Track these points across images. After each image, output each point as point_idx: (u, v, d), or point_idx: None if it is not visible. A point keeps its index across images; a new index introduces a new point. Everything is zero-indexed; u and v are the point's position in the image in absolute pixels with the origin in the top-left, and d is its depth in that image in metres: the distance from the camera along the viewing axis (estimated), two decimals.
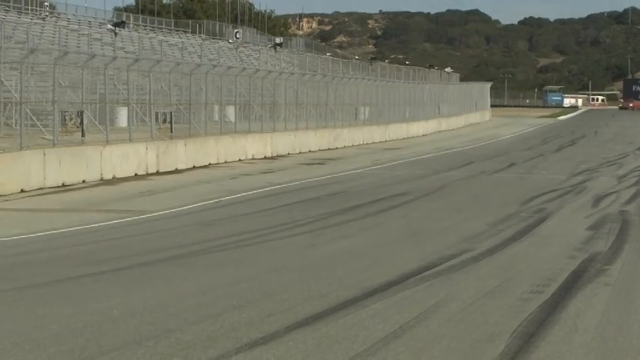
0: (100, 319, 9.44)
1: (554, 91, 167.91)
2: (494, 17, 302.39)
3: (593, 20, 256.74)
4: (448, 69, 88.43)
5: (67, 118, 36.32)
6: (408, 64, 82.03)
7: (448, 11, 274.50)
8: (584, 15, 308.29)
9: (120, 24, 39.24)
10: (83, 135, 28.75)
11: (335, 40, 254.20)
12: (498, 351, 8.04)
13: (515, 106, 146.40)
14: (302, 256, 14.10)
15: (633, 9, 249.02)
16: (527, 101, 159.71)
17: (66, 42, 51.33)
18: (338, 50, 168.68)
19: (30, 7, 61.26)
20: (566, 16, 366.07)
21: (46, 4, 62.41)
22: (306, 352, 8.00)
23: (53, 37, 51.10)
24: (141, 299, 10.42)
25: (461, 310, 9.63)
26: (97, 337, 8.51)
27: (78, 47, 49.24)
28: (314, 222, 18.66)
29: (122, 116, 36.48)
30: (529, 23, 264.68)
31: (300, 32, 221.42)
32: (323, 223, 18.52)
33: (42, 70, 34.40)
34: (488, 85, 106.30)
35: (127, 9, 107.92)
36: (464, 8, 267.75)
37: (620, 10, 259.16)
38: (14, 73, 33.07)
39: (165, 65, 33.49)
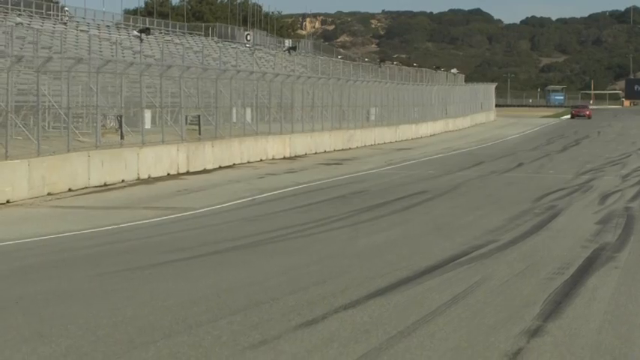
0: (210, 292, 11.59)
1: (557, 91, 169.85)
2: (496, 17, 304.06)
3: (595, 20, 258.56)
4: (454, 70, 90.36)
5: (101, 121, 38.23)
6: (415, 66, 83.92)
7: (450, 11, 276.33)
8: (585, 14, 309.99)
9: (145, 30, 41.10)
10: (122, 138, 30.70)
11: (338, 40, 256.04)
12: (535, 313, 10.31)
13: (518, 106, 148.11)
14: (349, 246, 16.14)
15: (635, 8, 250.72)
16: (530, 101, 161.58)
17: (88, 46, 53.33)
18: (341, 50, 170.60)
19: (52, 13, 63.20)
20: (568, 15, 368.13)
21: (66, 9, 64.37)
22: (388, 313, 10.15)
23: (77, 42, 53.10)
24: (235, 277, 12.59)
25: (499, 285, 11.79)
26: (214, 307, 10.67)
27: (100, 52, 51.21)
28: (347, 218, 20.57)
29: (146, 119, 38.47)
30: (531, 23, 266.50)
31: (304, 32, 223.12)
32: (355, 219, 20.44)
33: (78, 77, 36.26)
34: (493, 86, 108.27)
35: (136, 11, 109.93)
36: (466, 8, 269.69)
37: (622, 9, 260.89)
38: (46, 78, 34.98)
39: (192, 72, 35.46)
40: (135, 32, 45.29)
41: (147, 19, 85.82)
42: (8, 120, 25.85)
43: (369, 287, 11.53)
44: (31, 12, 58.57)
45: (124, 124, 32.72)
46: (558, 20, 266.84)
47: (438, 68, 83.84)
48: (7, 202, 23.84)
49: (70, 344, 8.86)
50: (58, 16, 61.92)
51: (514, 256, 14.46)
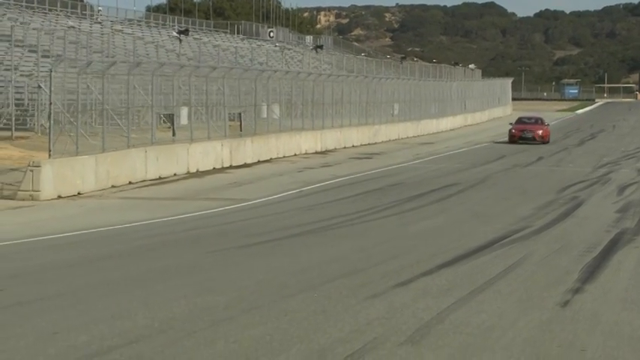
0: (308, 264, 14.15)
1: (571, 84, 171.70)
2: (510, 10, 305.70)
3: (608, 12, 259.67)
4: (472, 66, 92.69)
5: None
6: (434, 62, 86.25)
7: (464, 4, 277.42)
8: (599, 7, 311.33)
9: (184, 31, 43.55)
10: (174, 134, 33.18)
11: (352, 34, 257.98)
12: (574, 278, 13.14)
13: (532, 99, 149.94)
14: (403, 230, 18.65)
15: None
16: (545, 94, 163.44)
17: (124, 45, 55.77)
18: (355, 44, 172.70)
19: (77, 11, 65.66)
20: (581, 8, 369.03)
21: (99, 8, 66.94)
22: (459, 278, 12.87)
23: (113, 41, 55.40)
24: (321, 255, 15.21)
25: (540, 260, 14.59)
26: (321, 274, 13.24)
27: (136, 50, 53.60)
28: (390, 208, 22.96)
29: (183, 116, 40.96)
30: (545, 15, 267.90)
31: (318, 26, 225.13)
32: (398, 208, 22.82)
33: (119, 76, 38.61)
34: (510, 80, 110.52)
35: (158, 8, 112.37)
36: (480, 1, 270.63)
37: (636, 1, 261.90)
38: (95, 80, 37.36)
39: (234, 73, 38.01)
40: (174, 33, 47.84)
41: (169, 16, 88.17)
42: (79, 120, 28.29)
43: (436, 261, 14.13)
44: (66, 11, 61.12)
45: (160, 121, 35.11)
46: (572, 13, 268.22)
47: (456, 64, 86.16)
48: (78, 193, 26.30)
49: (235, 295, 11.75)
50: (88, 15, 64.40)
51: (548, 238, 17.07)
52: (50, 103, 27.05)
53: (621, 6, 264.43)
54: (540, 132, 51.76)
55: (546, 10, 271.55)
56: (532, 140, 50.80)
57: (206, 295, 11.68)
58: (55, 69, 27.09)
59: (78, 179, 26.63)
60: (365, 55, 72.49)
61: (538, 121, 53.98)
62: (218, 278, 13.08)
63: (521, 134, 51.25)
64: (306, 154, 43.06)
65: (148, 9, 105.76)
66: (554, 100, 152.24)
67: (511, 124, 53.45)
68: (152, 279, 13.13)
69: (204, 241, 17.13)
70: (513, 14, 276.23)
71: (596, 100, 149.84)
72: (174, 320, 10.10)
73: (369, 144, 51.05)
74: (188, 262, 14.45)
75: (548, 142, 51.43)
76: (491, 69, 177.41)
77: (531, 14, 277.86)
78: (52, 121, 26.82)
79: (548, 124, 53.94)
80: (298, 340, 8.95)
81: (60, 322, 10.15)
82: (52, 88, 27.00)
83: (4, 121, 38.95)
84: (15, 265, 14.55)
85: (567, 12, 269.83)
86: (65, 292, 12.08)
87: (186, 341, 9.18)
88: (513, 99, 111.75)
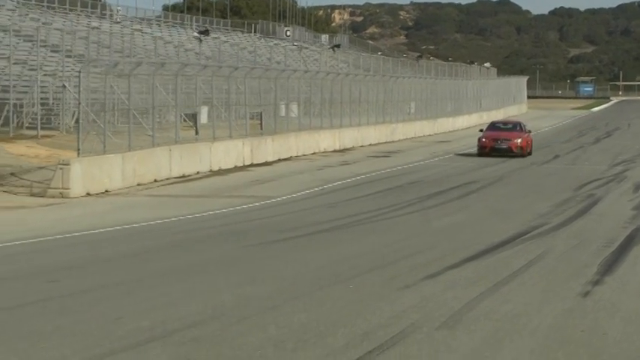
0: (339, 258, 14.85)
1: (586, 82, 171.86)
2: (524, 7, 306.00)
3: (623, 10, 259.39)
4: (487, 64, 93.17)
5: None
6: (450, 60, 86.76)
7: (479, 2, 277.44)
8: (614, 5, 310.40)
9: (205, 32, 44.25)
10: (197, 133, 33.86)
11: (367, 32, 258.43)
12: (594, 271, 13.80)
13: (547, 97, 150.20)
14: (425, 227, 19.30)
15: None
16: (560, 92, 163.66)
17: (144, 45, 56.54)
18: (370, 42, 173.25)
19: (103, 12, 66.54)
20: (596, 6, 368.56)
21: (119, 8, 67.79)
22: (484, 271, 13.56)
23: (132, 41, 56.13)
24: (349, 249, 15.96)
25: (560, 254, 15.25)
26: (354, 267, 13.94)
27: (156, 50, 54.35)
28: (411, 205, 23.55)
29: (203, 115, 41.65)
30: (559, 13, 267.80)
31: (333, 24, 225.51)
32: (419, 206, 23.43)
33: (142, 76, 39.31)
34: (525, 79, 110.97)
35: (174, 7, 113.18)
36: None
37: None
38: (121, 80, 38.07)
39: (255, 73, 38.68)
40: (195, 34, 48.65)
41: (186, 15, 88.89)
42: (105, 119, 28.99)
43: (460, 255, 14.80)
44: (81, 11, 61.95)
45: (188, 121, 35.70)
46: (587, 11, 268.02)
47: (471, 62, 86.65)
48: (106, 191, 26.99)
49: (274, 287, 12.47)
50: (107, 15, 65.23)
51: (567, 234, 17.70)
52: (79, 103, 27.76)
53: (636, 4, 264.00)
54: (519, 141, 39.90)
55: (561, 7, 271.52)
56: (508, 152, 39.50)
57: (248, 286, 12.37)
58: (84, 70, 27.77)
59: (105, 177, 27.34)
60: (381, 54, 73.08)
61: (516, 127, 42.26)
62: (256, 271, 13.74)
63: (494, 145, 39.88)
64: (324, 152, 43.69)
65: (165, 8, 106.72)
66: (569, 98, 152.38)
67: (481, 130, 42.13)
68: (193, 271, 13.82)
69: (235, 236, 17.81)
70: (528, 12, 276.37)
71: (611, 98, 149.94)
72: (223, 308, 10.83)
73: (386, 142, 51.64)
74: (224, 257, 15.16)
75: (529, 153, 40.47)
76: (506, 67, 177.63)
77: (546, 12, 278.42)
78: (80, 121, 27.51)
79: (529, 131, 42.88)
80: (342, 325, 9.66)
81: (120, 308, 10.96)
82: (80, 89, 27.69)
83: (30, 120, 39.72)
84: (60, 260, 15.27)
85: (582, 9, 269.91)
86: (116, 283, 12.85)
87: (239, 326, 9.94)
88: (528, 97, 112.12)
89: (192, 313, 10.54)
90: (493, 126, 42.86)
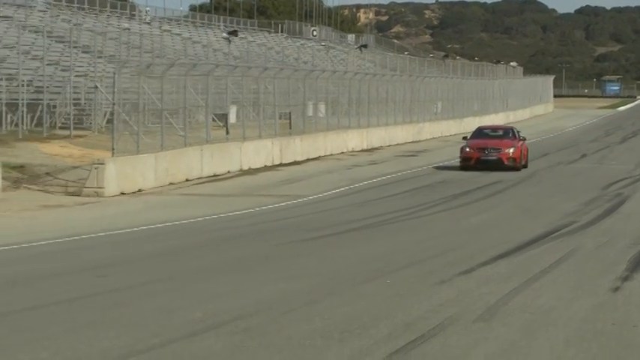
0: (372, 256, 15.29)
1: (612, 81, 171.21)
2: (550, 6, 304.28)
3: None
4: (513, 63, 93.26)
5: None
6: (476, 60, 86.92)
7: (504, 1, 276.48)
8: None
9: (233, 32, 44.82)
10: (227, 133, 34.37)
11: (392, 31, 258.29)
12: (622, 268, 14.13)
13: (573, 96, 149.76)
14: (455, 225, 19.70)
15: None
16: (586, 91, 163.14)
17: (173, 45, 57.11)
18: (395, 41, 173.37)
19: (132, 12, 67.27)
20: (622, 4, 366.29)
21: (147, 9, 68.50)
22: (516, 268, 13.95)
23: (163, 42, 56.73)
24: (381, 247, 16.46)
25: (589, 252, 15.63)
26: (388, 263, 14.41)
27: (185, 50, 54.93)
28: (440, 204, 23.90)
29: (231, 114, 42.16)
30: (585, 12, 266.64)
31: (358, 24, 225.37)
32: (447, 205, 23.77)
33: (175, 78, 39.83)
34: (551, 78, 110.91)
35: (201, 7, 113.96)
36: None
37: None
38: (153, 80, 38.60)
39: (284, 73, 39.19)
40: (224, 34, 49.38)
41: (214, 15, 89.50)
42: (139, 119, 29.50)
43: (492, 253, 15.19)
44: (111, 12, 62.68)
45: (217, 120, 36.17)
46: (613, 9, 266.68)
47: (498, 62, 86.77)
48: (139, 190, 27.49)
49: (313, 282, 12.94)
50: (137, 16, 65.93)
51: (595, 232, 18.04)
52: (113, 104, 28.28)
53: None
54: (511, 151, 33.30)
55: (587, 6, 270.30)
56: (498, 165, 32.91)
57: (287, 281, 12.83)
58: (118, 71, 28.30)
59: (139, 177, 27.85)
60: (407, 54, 73.42)
61: (508, 134, 35.39)
62: (293, 268, 14.19)
63: (481, 156, 33.40)
64: (352, 151, 44.08)
65: (193, 8, 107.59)
66: (595, 97, 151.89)
67: (465, 138, 35.35)
68: (231, 268, 14.29)
69: (269, 234, 18.26)
70: (554, 10, 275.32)
71: (638, 97, 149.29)
72: (267, 302, 11.31)
73: (413, 142, 51.96)
74: (260, 254, 15.62)
75: (525, 166, 33.99)
76: (532, 65, 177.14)
77: (572, 10, 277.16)
78: (115, 122, 28.02)
79: (524, 138, 35.52)
80: (383, 318, 10.13)
81: (170, 302, 11.51)
82: (115, 90, 28.21)
83: (62, 120, 40.35)
84: (104, 256, 15.81)
85: (608, 8, 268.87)
86: (160, 279, 13.39)
87: (285, 318, 10.46)
88: (554, 96, 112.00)
89: (239, 307, 11.02)
90: (480, 132, 36.14)
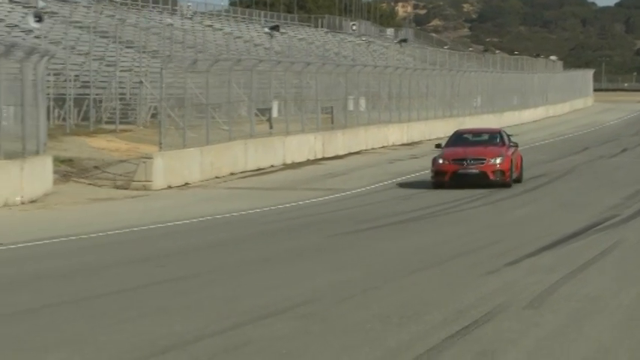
0: (419, 247, 15.81)
1: None
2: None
3: None
4: (553, 57, 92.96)
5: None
6: (516, 54, 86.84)
7: None
8: None
9: (275, 28, 45.38)
10: (271, 127, 34.88)
11: (430, 25, 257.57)
12: None
13: (613, 90, 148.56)
14: (499, 218, 20.10)
15: None
16: (626, 85, 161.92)
17: (214, 40, 57.70)
18: (434, 35, 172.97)
19: (174, 7, 68.01)
20: None
21: (189, 4, 69.18)
22: (561, 259, 14.26)
23: (204, 37, 57.25)
24: (428, 239, 17.01)
25: (633, 245, 15.91)
26: (435, 255, 14.84)
27: (227, 45, 55.48)
28: (482, 198, 24.12)
29: (274, 109, 42.64)
30: (626, 5, 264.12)
31: (396, 17, 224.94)
32: (490, 198, 24.01)
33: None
34: (591, 72, 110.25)
35: (241, 2, 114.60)
36: None
37: None
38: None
39: (327, 68, 39.72)
40: (266, 30, 50.07)
41: (254, 10, 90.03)
42: (185, 114, 30.05)
43: (536, 245, 15.52)
44: (153, 7, 63.44)
45: (260, 115, 36.61)
46: None
47: (537, 55, 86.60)
48: (186, 184, 28.07)
49: (365, 272, 13.41)
50: (179, 11, 66.63)
51: (637, 225, 18.27)
52: (160, 99, 28.87)
53: None
54: (497, 162, 26.06)
55: None
56: (481, 180, 25.87)
57: (339, 272, 13.32)
58: (166, 67, 28.89)
59: (185, 170, 28.45)
60: (447, 48, 73.58)
61: (494, 139, 28.09)
62: (344, 258, 14.67)
63: (459, 169, 26.06)
64: (393, 145, 44.46)
65: (233, 3, 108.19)
66: (636, 90, 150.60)
67: (439, 146, 27.95)
68: (285, 259, 14.81)
69: (317, 226, 18.75)
70: (593, 4, 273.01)
71: None
72: (324, 290, 11.80)
73: None
74: (310, 246, 16.13)
75: (519, 180, 27.19)
76: (571, 59, 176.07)
77: (612, 4, 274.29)
78: (162, 117, 28.61)
79: (515, 145, 28.47)
80: (436, 305, 10.59)
81: (231, 290, 12.03)
82: (162, 85, 28.79)
83: (108, 114, 41.08)
84: (159, 247, 16.41)
85: None
86: (218, 269, 13.97)
87: (343, 305, 10.95)
88: (594, 90, 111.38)
89: (297, 295, 11.52)
90: (458, 138, 28.36)
